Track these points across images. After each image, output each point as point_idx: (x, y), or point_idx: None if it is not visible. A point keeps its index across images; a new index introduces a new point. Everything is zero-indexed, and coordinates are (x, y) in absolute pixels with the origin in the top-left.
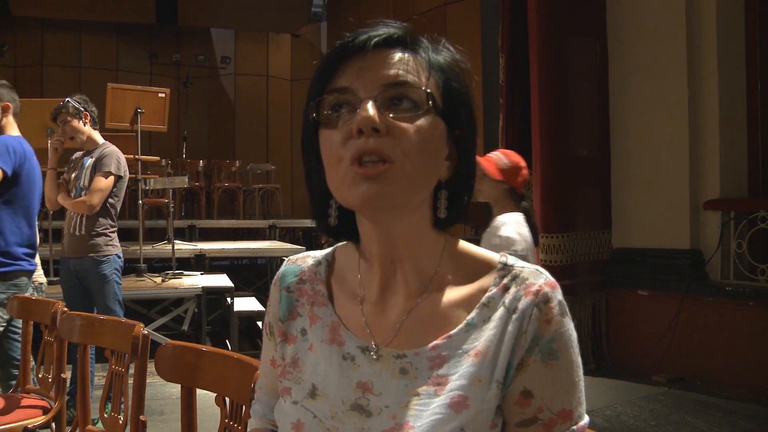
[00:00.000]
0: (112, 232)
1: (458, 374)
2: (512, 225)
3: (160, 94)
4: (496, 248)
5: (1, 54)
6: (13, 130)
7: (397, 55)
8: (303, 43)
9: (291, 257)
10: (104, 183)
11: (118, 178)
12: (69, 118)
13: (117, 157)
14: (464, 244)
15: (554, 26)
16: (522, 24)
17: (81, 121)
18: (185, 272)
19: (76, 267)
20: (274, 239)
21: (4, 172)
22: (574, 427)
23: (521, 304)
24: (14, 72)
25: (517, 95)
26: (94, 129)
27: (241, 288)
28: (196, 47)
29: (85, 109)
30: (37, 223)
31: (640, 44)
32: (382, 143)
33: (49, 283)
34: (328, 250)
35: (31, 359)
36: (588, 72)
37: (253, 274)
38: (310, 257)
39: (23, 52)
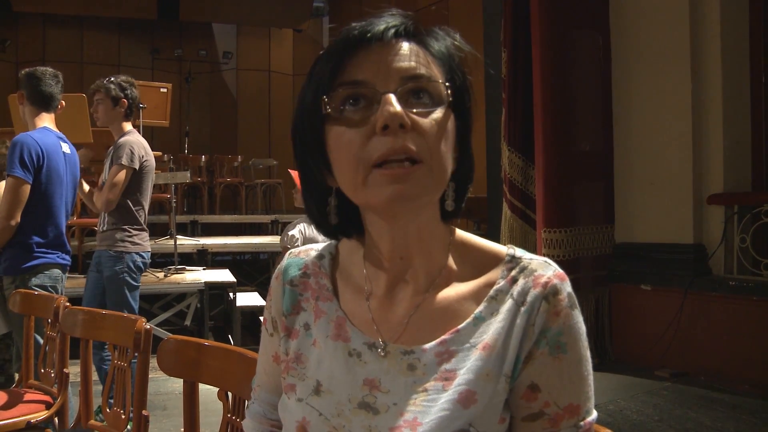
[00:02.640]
0: (135, 228)
1: (466, 368)
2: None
3: (162, 89)
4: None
5: (2, 50)
6: (40, 121)
7: (410, 47)
8: (305, 38)
9: (293, 250)
10: (117, 176)
11: (133, 170)
12: (105, 99)
13: (130, 148)
14: (470, 236)
15: (557, 20)
16: (524, 18)
17: (116, 108)
18: (187, 267)
19: (98, 259)
20: (277, 234)
21: (27, 182)
22: (582, 423)
23: (530, 296)
24: (16, 68)
25: (519, 89)
26: (128, 118)
27: (244, 283)
28: (198, 42)
29: (125, 96)
30: (63, 218)
31: (642, 37)
32: (408, 140)
33: (69, 277)
34: (331, 243)
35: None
36: (591, 66)
37: (256, 269)
38: (312, 250)
39: (25, 48)
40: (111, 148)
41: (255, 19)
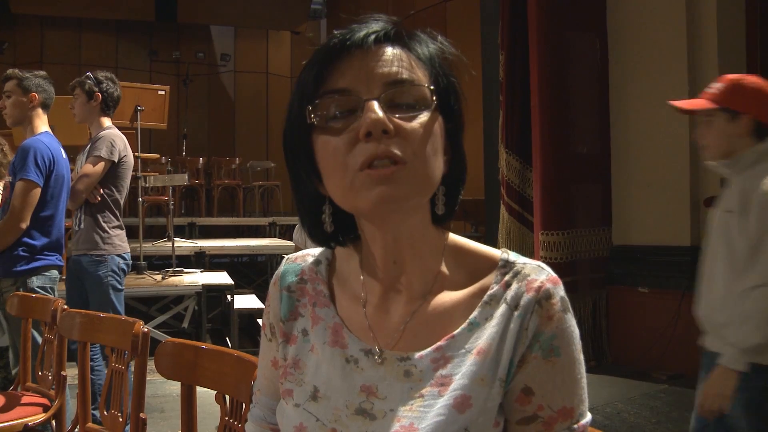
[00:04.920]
0: (114, 228)
1: (461, 374)
2: None
3: (159, 92)
4: None
5: (0, 52)
6: (43, 124)
7: (392, 52)
8: (302, 41)
9: (290, 256)
10: (91, 168)
11: (112, 163)
12: (80, 94)
13: (110, 141)
14: (464, 241)
15: (554, 22)
16: (522, 20)
17: (90, 102)
18: (185, 270)
19: (76, 266)
20: (274, 236)
21: (38, 185)
22: (575, 426)
23: (523, 301)
24: None
25: (517, 92)
26: (105, 113)
27: (241, 285)
28: (196, 44)
29: (99, 90)
30: (64, 222)
31: (640, 40)
32: (392, 145)
33: (59, 280)
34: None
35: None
36: (588, 68)
37: (253, 272)
38: (309, 256)
39: (23, 50)
40: (88, 144)
41: (253, 22)
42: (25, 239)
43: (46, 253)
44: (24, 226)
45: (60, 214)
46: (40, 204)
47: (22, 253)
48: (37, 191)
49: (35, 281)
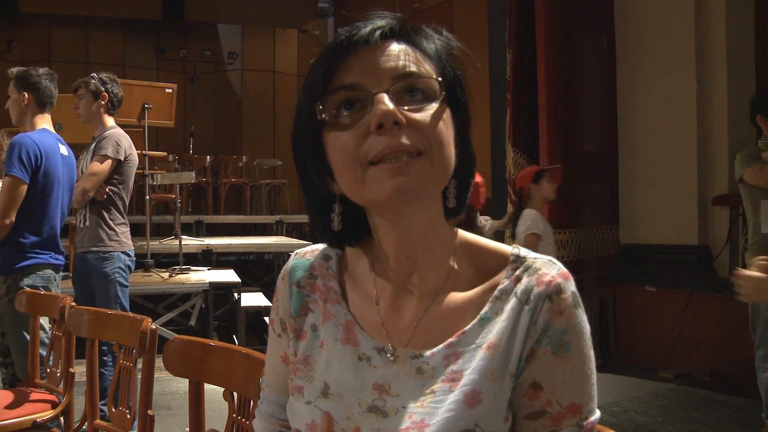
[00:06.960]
0: (119, 225)
1: (471, 369)
2: None
3: (167, 90)
4: None
5: (9, 50)
6: (42, 122)
7: (398, 47)
8: (310, 39)
9: (299, 251)
10: (98, 167)
11: (118, 162)
12: (86, 93)
13: (116, 140)
14: (474, 237)
15: (561, 20)
16: (529, 18)
17: (96, 102)
18: (192, 267)
19: (81, 263)
20: (281, 234)
21: (24, 182)
22: (584, 422)
23: (533, 295)
24: None
25: (524, 90)
26: (110, 113)
27: (248, 283)
28: (203, 43)
29: (105, 90)
30: (59, 219)
31: (647, 38)
32: (404, 137)
33: (63, 278)
34: None
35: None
36: (595, 67)
37: (260, 270)
38: (318, 251)
39: (31, 49)
40: (92, 142)
41: (260, 20)
42: (15, 237)
43: (37, 251)
44: (8, 222)
45: (52, 212)
46: (29, 201)
47: (11, 251)
48: (23, 187)
49: (25, 280)
